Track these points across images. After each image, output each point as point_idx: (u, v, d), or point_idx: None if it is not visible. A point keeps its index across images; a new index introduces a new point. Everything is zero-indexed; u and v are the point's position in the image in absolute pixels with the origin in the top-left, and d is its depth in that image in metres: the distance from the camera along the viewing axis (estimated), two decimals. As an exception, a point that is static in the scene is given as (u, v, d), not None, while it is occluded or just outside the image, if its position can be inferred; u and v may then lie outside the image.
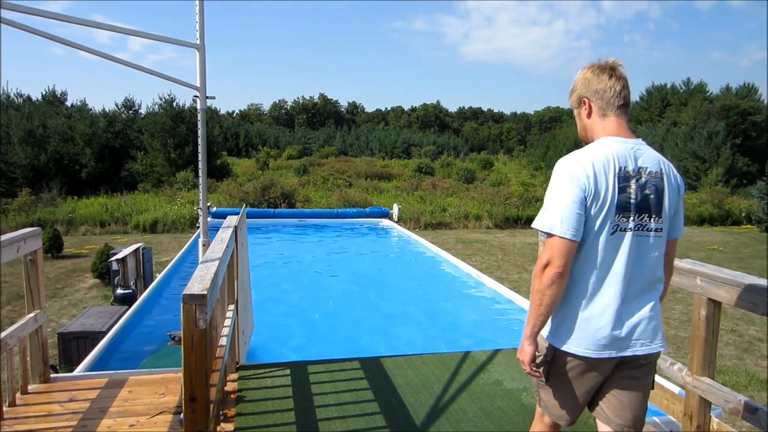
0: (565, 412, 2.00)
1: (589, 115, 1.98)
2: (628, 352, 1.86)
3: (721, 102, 30.96)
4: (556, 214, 1.80)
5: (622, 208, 1.81)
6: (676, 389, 3.11)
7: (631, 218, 1.83)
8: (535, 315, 1.87)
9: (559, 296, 1.83)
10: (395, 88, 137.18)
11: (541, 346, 1.95)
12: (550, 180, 1.88)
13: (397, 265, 10.87)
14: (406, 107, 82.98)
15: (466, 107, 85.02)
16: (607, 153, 1.83)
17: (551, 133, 37.42)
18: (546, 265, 1.80)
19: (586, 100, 1.97)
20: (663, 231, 1.89)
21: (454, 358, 4.06)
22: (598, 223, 1.81)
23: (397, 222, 15.33)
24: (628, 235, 1.83)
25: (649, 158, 1.88)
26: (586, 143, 1.98)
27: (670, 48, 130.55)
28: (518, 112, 79.77)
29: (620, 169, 1.82)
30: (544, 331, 1.96)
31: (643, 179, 1.85)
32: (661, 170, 1.89)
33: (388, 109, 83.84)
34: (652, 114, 40.43)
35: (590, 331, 1.85)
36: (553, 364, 1.95)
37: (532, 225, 1.92)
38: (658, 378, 3.26)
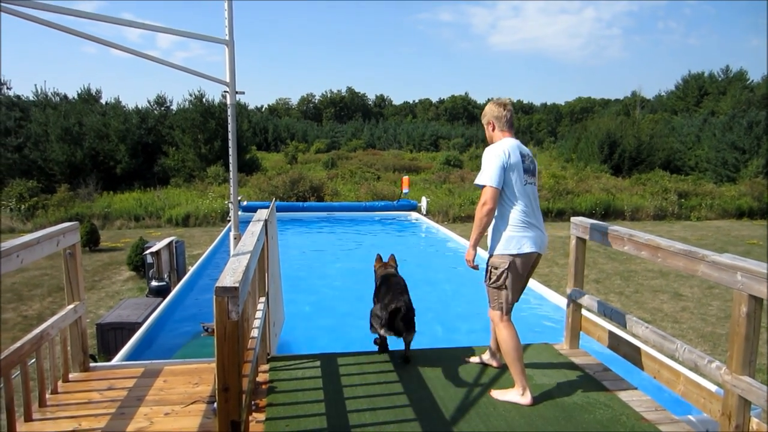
0: (515, 296, 3.33)
1: (492, 130, 3.42)
2: (542, 251, 3.34)
3: (763, 90, 29.86)
4: (488, 174, 3.19)
5: (525, 170, 3.28)
6: (713, 387, 3.02)
7: (530, 177, 3.32)
8: (477, 234, 3.25)
9: (490, 222, 3.26)
10: (423, 80, 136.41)
11: (501, 262, 3.25)
12: (483, 158, 3.28)
13: (426, 258, 10.84)
14: (434, 99, 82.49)
15: (494, 98, 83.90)
16: (512, 143, 3.30)
17: (582, 124, 36.57)
18: (484, 204, 3.19)
19: (491, 122, 3.41)
20: (536, 186, 3.41)
21: (484, 352, 4.03)
22: (517, 180, 3.23)
23: (425, 215, 15.28)
24: (530, 186, 3.31)
25: (526, 149, 3.40)
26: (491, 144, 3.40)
27: (707, 34, 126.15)
28: (548, 103, 78.38)
29: (519, 151, 3.29)
30: (504, 251, 3.24)
31: (528, 158, 3.36)
32: (532, 154, 3.42)
33: (416, 101, 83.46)
34: (688, 104, 39.31)
35: (528, 240, 3.24)
36: (511, 269, 3.24)
37: (475, 182, 3.33)
38: (694, 376, 3.18)
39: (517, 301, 3.40)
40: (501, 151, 3.23)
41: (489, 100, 3.54)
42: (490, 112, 3.41)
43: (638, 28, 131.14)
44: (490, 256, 3.33)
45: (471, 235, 3.27)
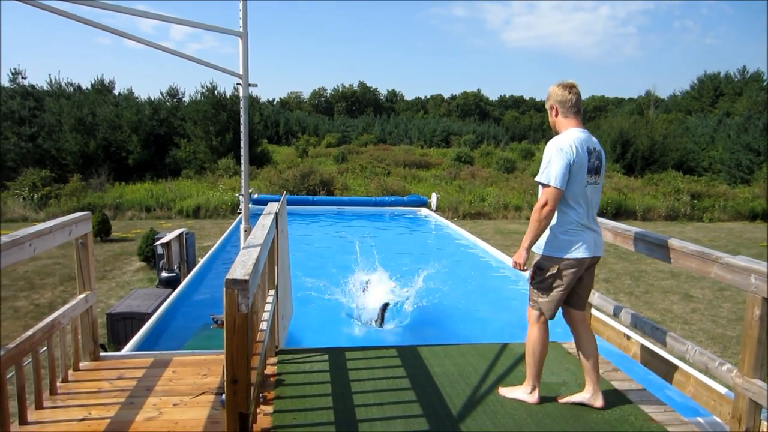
0: (555, 307, 3.12)
1: (556, 116, 3.09)
2: (596, 254, 3.07)
3: (779, 91, 29.42)
4: (552, 172, 2.87)
5: (589, 170, 2.97)
6: (722, 390, 3.00)
7: (592, 176, 3.01)
8: (532, 236, 2.96)
9: (548, 224, 2.97)
10: (435, 76, 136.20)
11: (549, 265, 3.04)
12: (546, 151, 2.96)
13: (435, 255, 10.83)
14: (446, 95, 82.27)
15: (507, 96, 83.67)
16: (580, 137, 2.97)
17: (595, 123, 36.25)
18: (544, 205, 2.89)
19: (555, 106, 3.07)
20: (600, 183, 3.11)
21: (492, 350, 4.03)
22: (579, 180, 2.93)
23: (435, 211, 15.26)
24: (590, 187, 3.01)
25: (595, 141, 3.07)
26: (556, 132, 3.10)
27: (724, 34, 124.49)
28: (561, 101, 77.77)
29: (587, 147, 2.97)
30: (554, 254, 3.02)
31: (595, 154, 3.02)
32: (600, 149, 3.09)
33: (428, 97, 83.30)
34: (703, 104, 38.88)
35: (582, 243, 3.00)
36: (558, 275, 3.03)
37: (536, 179, 2.99)
38: (704, 378, 3.15)
39: (557, 309, 3.15)
40: (568, 146, 2.89)
41: (553, 88, 3.12)
42: (553, 95, 3.07)
43: (654, 26, 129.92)
44: (540, 255, 3.10)
45: (525, 237, 2.98)
